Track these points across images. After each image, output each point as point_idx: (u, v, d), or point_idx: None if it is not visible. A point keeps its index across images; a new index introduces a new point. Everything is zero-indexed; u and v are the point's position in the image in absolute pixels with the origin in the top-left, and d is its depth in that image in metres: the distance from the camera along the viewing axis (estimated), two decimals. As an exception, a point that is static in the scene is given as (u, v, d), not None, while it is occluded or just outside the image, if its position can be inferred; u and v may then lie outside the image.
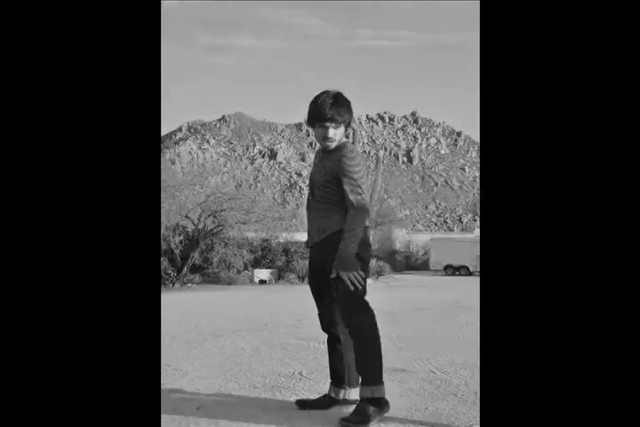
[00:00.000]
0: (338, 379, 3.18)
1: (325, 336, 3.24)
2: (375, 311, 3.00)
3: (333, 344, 3.19)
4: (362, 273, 2.94)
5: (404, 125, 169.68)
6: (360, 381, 2.99)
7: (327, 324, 3.18)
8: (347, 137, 3.25)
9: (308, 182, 3.46)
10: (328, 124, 3.08)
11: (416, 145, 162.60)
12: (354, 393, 3.13)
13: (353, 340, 2.99)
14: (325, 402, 3.17)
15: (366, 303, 3.00)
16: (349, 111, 3.14)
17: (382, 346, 3.00)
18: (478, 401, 3.36)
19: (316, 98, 3.10)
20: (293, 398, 3.32)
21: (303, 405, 3.17)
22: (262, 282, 18.68)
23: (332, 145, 3.13)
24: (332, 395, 3.17)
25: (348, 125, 3.17)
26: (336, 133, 3.11)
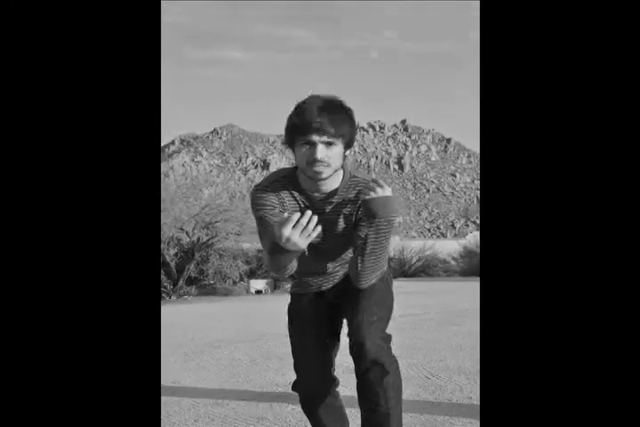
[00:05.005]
0: None
1: None
2: None
3: None
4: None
5: (395, 133, 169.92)
6: None
7: None
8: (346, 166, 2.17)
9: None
10: (315, 137, 1.97)
11: (407, 152, 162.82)
12: None
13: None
14: None
15: None
16: (350, 123, 2.05)
17: None
18: (473, 406, 3.40)
19: (298, 104, 2.06)
20: (290, 409, 3.35)
21: None
22: (258, 292, 18.66)
23: (326, 173, 2.03)
24: None
25: (348, 145, 2.08)
26: (329, 155, 2.00)
